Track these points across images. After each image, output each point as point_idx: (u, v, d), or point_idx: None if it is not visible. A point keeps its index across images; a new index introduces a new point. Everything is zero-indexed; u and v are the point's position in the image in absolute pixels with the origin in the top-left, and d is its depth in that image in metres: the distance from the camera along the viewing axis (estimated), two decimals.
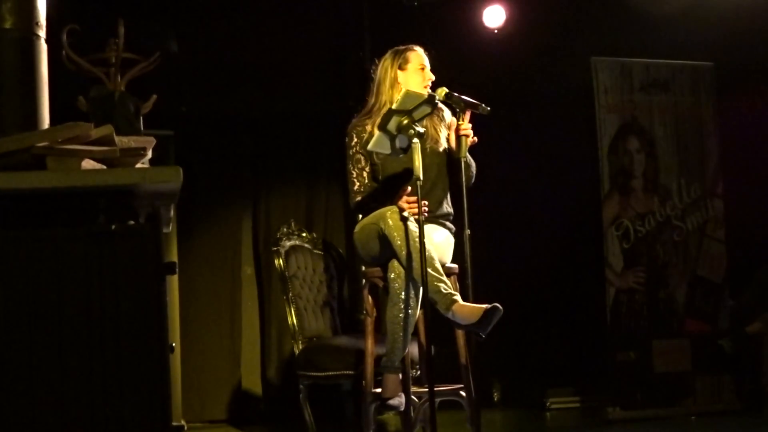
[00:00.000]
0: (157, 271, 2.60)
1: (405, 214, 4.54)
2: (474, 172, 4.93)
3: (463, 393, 4.75)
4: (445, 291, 4.39)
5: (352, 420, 5.78)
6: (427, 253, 4.33)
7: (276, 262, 5.69)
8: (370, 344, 4.77)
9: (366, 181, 4.89)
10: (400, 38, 5.09)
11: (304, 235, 5.98)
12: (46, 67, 3.28)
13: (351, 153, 4.91)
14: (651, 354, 6.81)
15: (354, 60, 7.54)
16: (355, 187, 4.89)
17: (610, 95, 6.95)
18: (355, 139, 4.90)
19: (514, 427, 7.11)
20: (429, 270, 4.33)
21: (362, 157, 4.88)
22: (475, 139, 4.70)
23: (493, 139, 6.21)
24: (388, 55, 4.96)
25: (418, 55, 4.93)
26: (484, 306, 4.30)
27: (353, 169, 4.90)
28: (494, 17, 7.27)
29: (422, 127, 4.46)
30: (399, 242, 4.48)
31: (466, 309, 4.34)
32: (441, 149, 4.90)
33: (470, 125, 4.70)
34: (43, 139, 2.66)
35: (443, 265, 4.59)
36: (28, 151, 2.64)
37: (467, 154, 4.75)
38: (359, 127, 4.92)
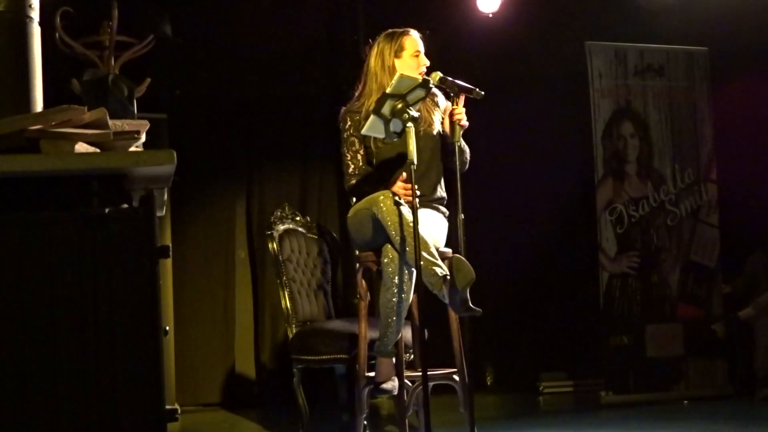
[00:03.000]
0: (151, 254, 2.60)
1: (399, 199, 4.53)
2: (468, 158, 4.93)
3: (456, 377, 4.76)
4: (441, 274, 4.39)
5: (346, 404, 5.79)
6: (420, 238, 4.33)
7: (270, 245, 5.68)
8: (363, 328, 4.78)
9: (360, 163, 4.88)
10: (395, 22, 5.07)
11: (297, 218, 5.98)
12: (39, 49, 3.26)
13: (345, 136, 4.91)
14: (644, 338, 6.84)
15: (348, 43, 7.52)
16: (350, 170, 4.88)
17: (604, 80, 6.95)
18: (349, 122, 4.89)
19: (508, 411, 7.13)
20: (423, 254, 4.33)
21: (356, 140, 4.87)
22: (466, 124, 4.70)
23: (487, 124, 6.22)
24: (382, 39, 4.93)
25: (413, 41, 4.90)
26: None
27: (347, 152, 4.89)
28: (489, 2, 7.25)
29: (416, 111, 4.45)
30: (392, 227, 4.48)
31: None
32: (434, 133, 4.89)
33: (464, 110, 4.69)
34: (36, 122, 2.65)
35: (437, 250, 4.59)
36: (21, 134, 2.63)
37: (461, 140, 4.75)
38: (352, 110, 4.92)
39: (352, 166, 4.87)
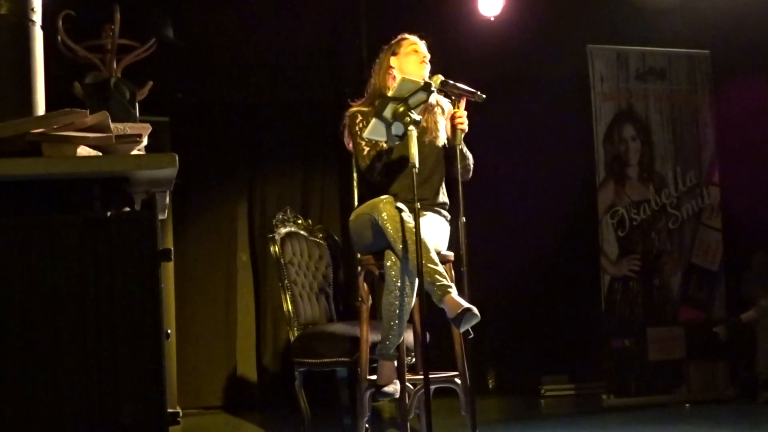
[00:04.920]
0: (153, 257, 2.60)
1: (400, 204, 4.54)
2: (471, 164, 4.92)
3: (458, 380, 4.76)
4: (438, 283, 4.40)
5: (347, 407, 5.79)
6: (423, 244, 4.34)
7: (271, 248, 5.69)
8: (365, 331, 4.78)
9: (375, 150, 4.80)
10: (396, 26, 5.08)
11: (299, 221, 5.98)
12: (42, 53, 3.27)
13: (356, 130, 4.82)
14: (645, 341, 6.83)
15: (350, 47, 7.53)
16: (365, 153, 4.78)
17: (605, 83, 6.95)
18: (360, 117, 4.83)
19: (509, 415, 7.13)
20: (424, 261, 4.33)
21: None
22: (466, 127, 4.70)
23: (488, 127, 6.22)
24: (382, 51, 4.99)
25: (410, 40, 4.93)
26: (464, 305, 4.32)
27: (360, 141, 4.78)
28: (490, 6, 7.25)
29: (418, 114, 4.45)
30: (393, 233, 4.48)
31: (452, 302, 4.37)
32: (440, 142, 4.90)
33: (465, 113, 4.70)
34: (39, 126, 2.65)
35: (438, 253, 4.59)
36: (23, 137, 2.63)
37: (464, 145, 4.76)
38: (362, 110, 4.87)
39: (367, 149, 4.79)
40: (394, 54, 4.90)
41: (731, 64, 7.40)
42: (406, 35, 4.96)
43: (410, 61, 4.87)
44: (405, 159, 4.50)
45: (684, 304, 6.96)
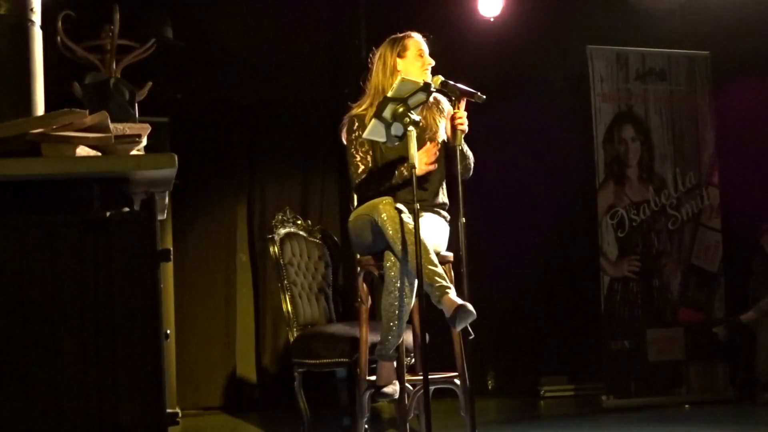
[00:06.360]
0: (152, 258, 2.60)
1: (400, 205, 4.54)
2: (471, 163, 4.92)
3: (457, 381, 4.76)
4: (437, 284, 4.40)
5: (347, 407, 5.79)
6: (422, 245, 4.33)
7: (271, 249, 5.68)
8: (364, 332, 4.78)
9: (370, 164, 4.82)
10: (396, 26, 5.07)
11: (299, 222, 5.98)
12: (41, 53, 3.27)
13: (353, 137, 4.84)
14: (645, 342, 6.84)
15: (349, 47, 7.53)
16: (359, 170, 4.82)
17: (605, 84, 6.95)
18: (357, 124, 4.83)
19: (509, 415, 7.12)
20: (423, 262, 4.33)
21: (366, 141, 4.81)
22: (466, 128, 4.69)
23: (488, 128, 6.21)
24: (385, 44, 4.92)
25: (416, 42, 4.90)
26: (458, 303, 4.33)
27: (356, 153, 4.81)
28: (490, 6, 7.25)
29: (418, 115, 4.45)
30: (393, 234, 4.47)
31: (449, 302, 4.37)
32: (439, 137, 4.89)
33: (465, 113, 4.69)
34: (38, 126, 2.65)
35: (438, 254, 4.59)
36: (22, 137, 2.63)
37: (464, 144, 4.75)
38: (359, 114, 4.87)
39: (362, 167, 4.81)
40: (400, 56, 4.87)
41: (731, 65, 7.40)
42: (411, 34, 4.91)
43: (416, 66, 4.85)
44: (404, 160, 4.50)
45: (683, 305, 6.96)
